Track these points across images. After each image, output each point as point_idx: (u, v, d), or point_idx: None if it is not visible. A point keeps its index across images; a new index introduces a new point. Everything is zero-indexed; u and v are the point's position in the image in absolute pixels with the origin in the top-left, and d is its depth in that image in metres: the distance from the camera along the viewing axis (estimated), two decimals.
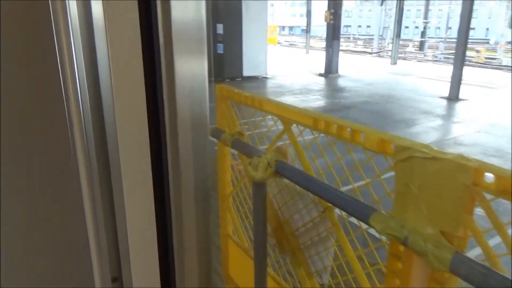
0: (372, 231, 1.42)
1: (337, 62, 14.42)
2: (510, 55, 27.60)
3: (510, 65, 22.56)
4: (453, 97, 10.66)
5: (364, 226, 1.51)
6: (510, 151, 6.57)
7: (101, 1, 0.48)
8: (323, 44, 27.83)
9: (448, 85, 11.03)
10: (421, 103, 10.27)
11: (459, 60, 10.62)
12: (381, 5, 30.71)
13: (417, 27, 47.74)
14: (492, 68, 21.88)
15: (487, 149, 6.68)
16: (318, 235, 1.89)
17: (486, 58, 26.11)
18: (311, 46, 25.40)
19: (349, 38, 50.69)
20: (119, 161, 0.56)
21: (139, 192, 0.59)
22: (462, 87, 10.82)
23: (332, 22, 13.74)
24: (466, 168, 1.15)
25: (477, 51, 30.47)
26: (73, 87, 0.48)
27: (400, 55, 25.61)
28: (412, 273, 1.40)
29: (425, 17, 24.77)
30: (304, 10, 63.30)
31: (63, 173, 0.54)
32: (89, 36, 0.50)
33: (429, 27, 36.29)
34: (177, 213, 0.63)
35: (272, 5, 63.30)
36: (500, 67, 22.09)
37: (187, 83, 0.57)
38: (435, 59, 23.85)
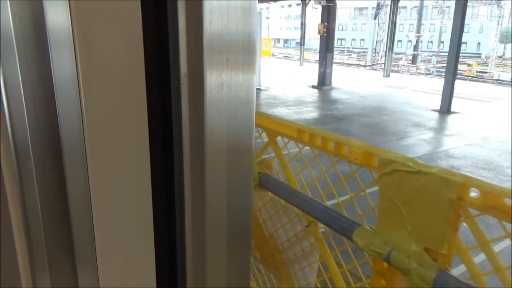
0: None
1: (331, 74, 14.51)
2: (500, 69, 28.02)
3: (501, 79, 22.86)
4: (445, 110, 10.73)
5: (349, 241, 1.46)
6: (501, 164, 6.57)
7: (65, 2, 0.35)
8: (317, 56, 28.03)
9: (440, 98, 11.12)
10: (413, 115, 10.32)
11: (450, 74, 10.72)
12: (375, 18, 31.12)
13: (410, 41, 48.57)
14: (483, 81, 22.14)
15: (478, 162, 6.68)
16: (302, 250, 1.83)
17: (477, 72, 26.46)
18: (305, 59, 25.59)
19: (343, 51, 51.28)
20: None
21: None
22: (454, 100, 10.91)
23: (325, 34, 13.86)
24: (451, 182, 1.11)
25: (469, 65, 30.94)
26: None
27: (393, 68, 25.90)
28: None
29: (418, 31, 25.10)
30: (298, 23, 63.91)
31: None
32: (39, 49, 0.36)
33: (421, 41, 36.94)
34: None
35: (267, 18, 63.94)
36: (491, 80, 22.35)
37: (224, 109, 0.42)
38: (427, 72, 24.10)
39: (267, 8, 60.26)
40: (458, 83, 11.15)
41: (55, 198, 0.40)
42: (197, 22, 0.38)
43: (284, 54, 39.75)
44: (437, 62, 30.94)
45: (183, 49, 0.39)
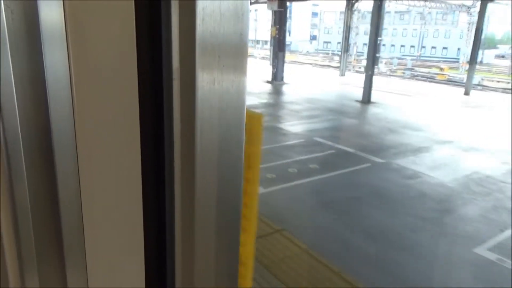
0: None
1: (282, 71, 16.51)
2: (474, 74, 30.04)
3: (455, 80, 24.95)
4: (365, 100, 12.75)
5: None
6: (374, 134, 8.61)
7: (59, 1, 0.35)
8: (296, 58, 29.70)
9: (376, 92, 13.17)
10: (335, 104, 12.33)
11: (369, 72, 12.78)
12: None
13: (393, 45, 51.05)
14: (441, 83, 24.09)
15: (356, 132, 8.70)
16: None
17: (448, 75, 28.51)
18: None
19: (328, 53, 53.33)
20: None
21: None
22: (385, 94, 12.89)
23: (277, 36, 15.85)
24: None
25: (441, 69, 33.13)
26: None
27: (358, 70, 27.98)
28: None
29: (379, 35, 27.21)
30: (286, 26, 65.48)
31: None
32: (32, 48, 0.36)
33: (384, 44, 39.19)
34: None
35: (255, 20, 65.79)
36: (455, 82, 24.35)
37: (214, 113, 0.42)
38: (389, 73, 26.16)
39: (256, 10, 62.08)
40: (414, 84, 13.09)
41: (45, 196, 0.40)
42: (189, 19, 0.39)
43: (263, 55, 41.72)
44: (413, 65, 33.12)
45: (176, 45, 0.40)
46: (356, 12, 30.83)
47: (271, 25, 16.33)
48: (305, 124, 9.52)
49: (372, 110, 11.80)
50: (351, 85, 17.37)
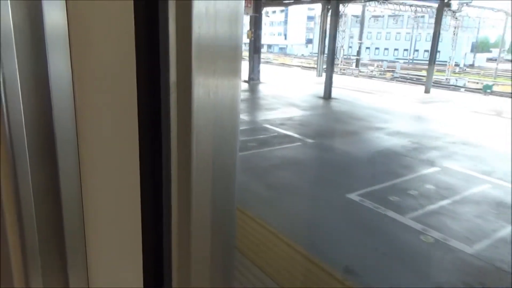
0: None
1: (258, 71, 18.00)
2: (461, 77, 31.49)
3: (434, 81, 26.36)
4: (326, 96, 14.22)
5: None
6: (319, 122, 10.02)
7: (62, 1, 0.37)
8: (284, 60, 31.23)
9: (342, 90, 14.61)
10: (298, 99, 13.78)
11: (329, 71, 14.26)
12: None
13: (386, 49, 52.71)
14: (433, 86, 25.60)
15: (301, 122, 10.13)
16: None
17: (435, 78, 30.02)
18: (270, 62, 29.07)
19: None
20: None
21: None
22: (351, 92, 14.37)
23: (253, 39, 17.35)
24: None
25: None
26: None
27: (344, 72, 29.54)
28: None
29: (360, 38, 28.69)
30: (282, 29, 67.30)
31: None
32: (36, 48, 0.38)
33: (378, 48, 40.66)
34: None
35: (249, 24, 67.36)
36: (437, 84, 25.80)
37: (210, 116, 0.44)
38: (370, 75, 27.65)
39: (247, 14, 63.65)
40: (392, 85, 14.45)
41: (48, 198, 0.41)
42: (186, 25, 0.40)
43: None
44: (405, 68, 34.68)
45: (173, 54, 0.41)
46: (343, 16, 32.41)
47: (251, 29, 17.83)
48: (262, 115, 10.99)
49: (329, 104, 13.26)
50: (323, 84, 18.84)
